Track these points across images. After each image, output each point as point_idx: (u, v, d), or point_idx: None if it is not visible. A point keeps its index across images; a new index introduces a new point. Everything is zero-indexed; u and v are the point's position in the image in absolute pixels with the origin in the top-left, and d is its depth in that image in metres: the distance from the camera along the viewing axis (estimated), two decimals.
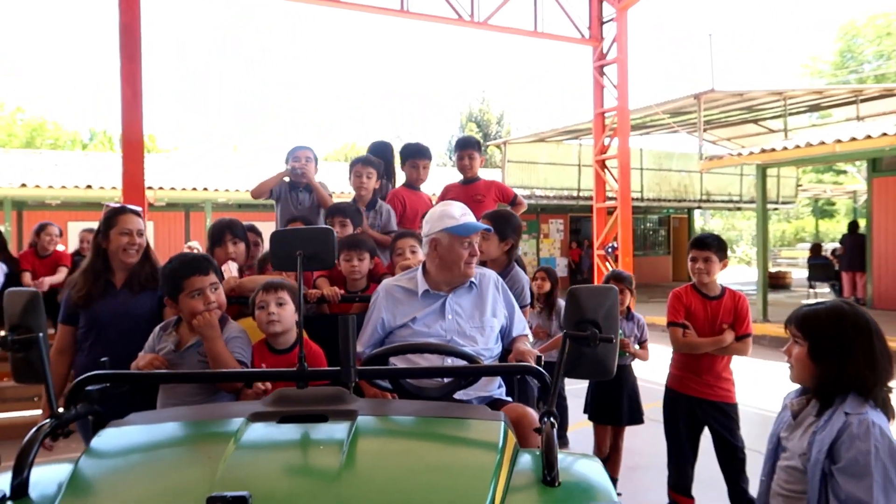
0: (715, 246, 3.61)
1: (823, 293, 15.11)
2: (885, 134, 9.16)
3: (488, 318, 2.75)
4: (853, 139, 9.59)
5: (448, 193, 4.64)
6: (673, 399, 3.75)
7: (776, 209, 20.55)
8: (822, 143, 9.98)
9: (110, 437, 1.89)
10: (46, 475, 1.73)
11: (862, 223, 13.44)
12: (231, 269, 3.31)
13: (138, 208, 3.27)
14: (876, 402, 2.04)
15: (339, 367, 1.93)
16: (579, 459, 1.83)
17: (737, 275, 23.07)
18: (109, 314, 3.00)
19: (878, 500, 1.89)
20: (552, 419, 1.78)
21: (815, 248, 15.58)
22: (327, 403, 1.89)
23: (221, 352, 2.48)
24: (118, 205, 3.31)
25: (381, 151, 4.48)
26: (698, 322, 3.65)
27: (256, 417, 1.81)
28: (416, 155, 4.42)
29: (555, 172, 17.57)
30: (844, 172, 28.84)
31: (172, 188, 13.70)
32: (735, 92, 12.28)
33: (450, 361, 2.58)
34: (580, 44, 11.33)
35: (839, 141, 9.77)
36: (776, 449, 2.26)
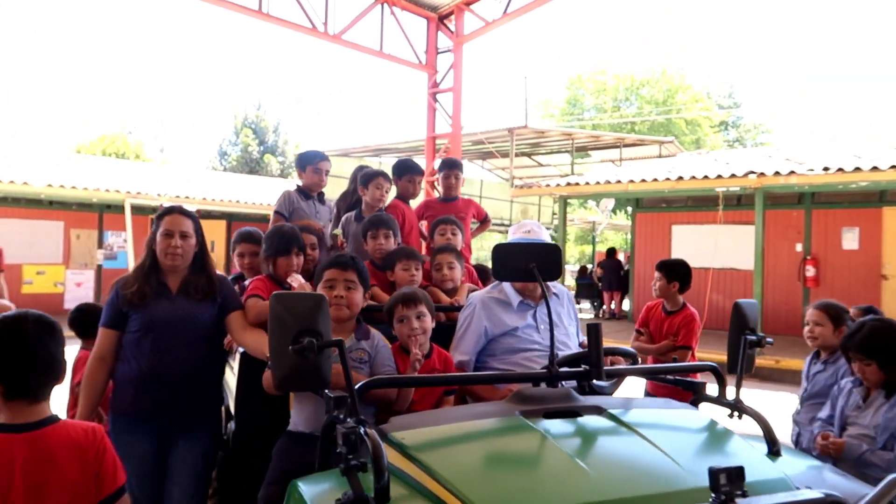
0: (665, 269, 4.42)
1: (585, 308, 17.54)
2: (680, 178, 11.09)
3: (568, 326, 3.16)
4: (643, 180, 11.52)
5: (429, 210, 4.84)
6: None
7: None
8: (619, 181, 11.83)
9: (419, 439, 1.95)
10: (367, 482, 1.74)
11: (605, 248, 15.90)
12: (299, 280, 3.24)
13: (190, 209, 3.07)
14: None
15: (588, 368, 2.27)
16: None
17: None
18: (170, 317, 2.82)
19: None
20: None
21: (582, 270, 18.01)
22: (567, 401, 2.17)
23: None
24: (169, 205, 3.08)
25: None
26: (653, 331, 4.43)
27: (527, 414, 2.03)
28: (412, 171, 4.57)
29: None
30: (569, 204, 33.45)
31: None
32: (539, 129, 13.91)
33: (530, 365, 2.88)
34: (417, 69, 11.94)
35: (632, 181, 11.67)
36: (843, 424, 3.04)
